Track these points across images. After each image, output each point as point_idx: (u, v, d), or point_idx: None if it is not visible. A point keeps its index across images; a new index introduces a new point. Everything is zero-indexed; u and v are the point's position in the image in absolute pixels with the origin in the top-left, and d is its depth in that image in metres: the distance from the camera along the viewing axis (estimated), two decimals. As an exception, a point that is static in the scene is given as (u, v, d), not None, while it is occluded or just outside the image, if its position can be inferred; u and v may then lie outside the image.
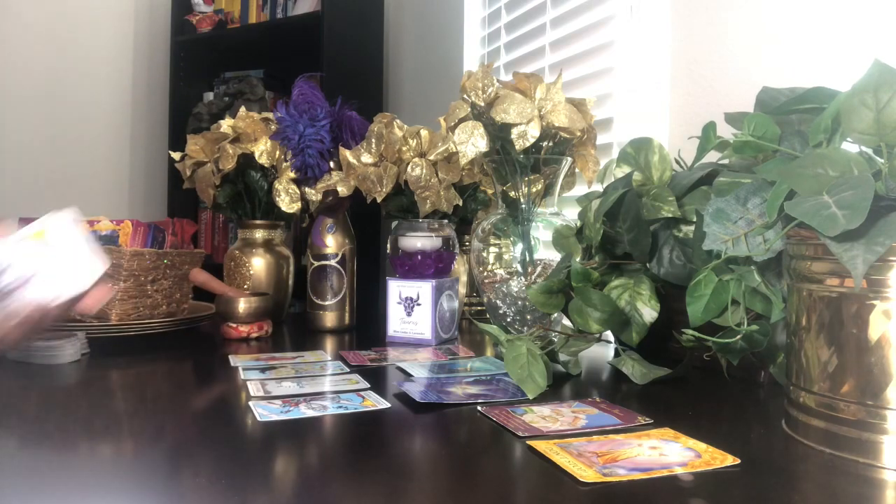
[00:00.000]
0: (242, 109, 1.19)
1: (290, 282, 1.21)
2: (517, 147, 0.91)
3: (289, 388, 0.66)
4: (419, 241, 0.98)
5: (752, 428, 0.56)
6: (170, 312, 1.00)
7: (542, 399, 0.63)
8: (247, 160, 1.16)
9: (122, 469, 0.45)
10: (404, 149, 1.06)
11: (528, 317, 0.94)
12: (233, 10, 2.35)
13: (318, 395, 0.64)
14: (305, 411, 0.58)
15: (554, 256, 0.94)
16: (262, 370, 0.75)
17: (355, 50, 2.11)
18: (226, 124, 1.18)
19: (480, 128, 0.93)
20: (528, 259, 0.98)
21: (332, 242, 1.08)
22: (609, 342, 0.92)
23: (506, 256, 1.03)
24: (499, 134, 0.94)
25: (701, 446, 0.48)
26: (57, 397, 0.66)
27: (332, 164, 1.13)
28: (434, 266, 0.98)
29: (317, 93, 1.14)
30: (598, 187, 0.95)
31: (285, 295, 1.20)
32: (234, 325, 0.97)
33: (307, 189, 1.12)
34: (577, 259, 0.84)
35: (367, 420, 0.57)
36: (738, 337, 0.61)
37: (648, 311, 0.75)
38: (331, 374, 0.74)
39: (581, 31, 1.30)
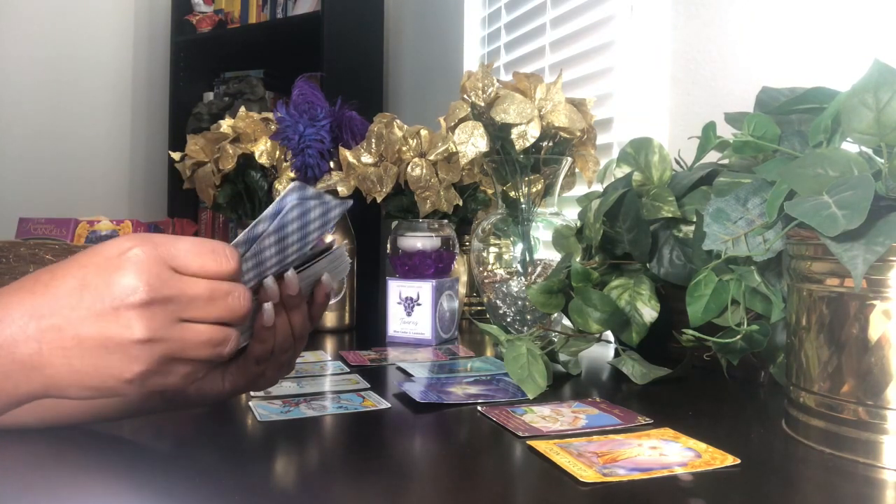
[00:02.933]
0: (242, 109, 1.19)
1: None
2: (517, 147, 0.91)
3: (289, 388, 0.66)
4: (419, 241, 0.98)
5: (752, 428, 0.56)
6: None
7: (542, 399, 0.63)
8: (247, 160, 1.16)
9: (122, 469, 0.45)
10: (404, 149, 1.06)
11: (528, 317, 0.94)
12: (233, 10, 2.35)
13: (318, 395, 0.64)
14: (305, 411, 0.58)
15: (554, 256, 0.94)
16: (262, 370, 0.75)
17: (355, 50, 2.11)
18: (226, 124, 1.18)
19: (480, 128, 0.93)
20: (528, 259, 0.98)
21: (332, 242, 1.07)
22: (609, 342, 0.92)
23: (506, 256, 1.03)
24: (499, 134, 0.94)
25: (701, 446, 0.48)
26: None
27: (332, 164, 1.13)
28: (434, 266, 0.98)
29: (317, 93, 1.14)
30: (598, 187, 0.95)
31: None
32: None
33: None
34: (577, 259, 0.84)
35: (367, 420, 0.57)
36: (738, 337, 0.61)
37: (648, 311, 0.75)
38: (331, 374, 0.74)
39: (581, 31, 1.30)
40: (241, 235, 0.43)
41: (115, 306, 0.36)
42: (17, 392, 0.39)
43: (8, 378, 0.38)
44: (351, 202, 0.49)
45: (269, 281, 0.44)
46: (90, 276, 0.37)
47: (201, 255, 0.39)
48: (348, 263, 0.53)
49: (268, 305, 0.45)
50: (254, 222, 0.43)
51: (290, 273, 0.45)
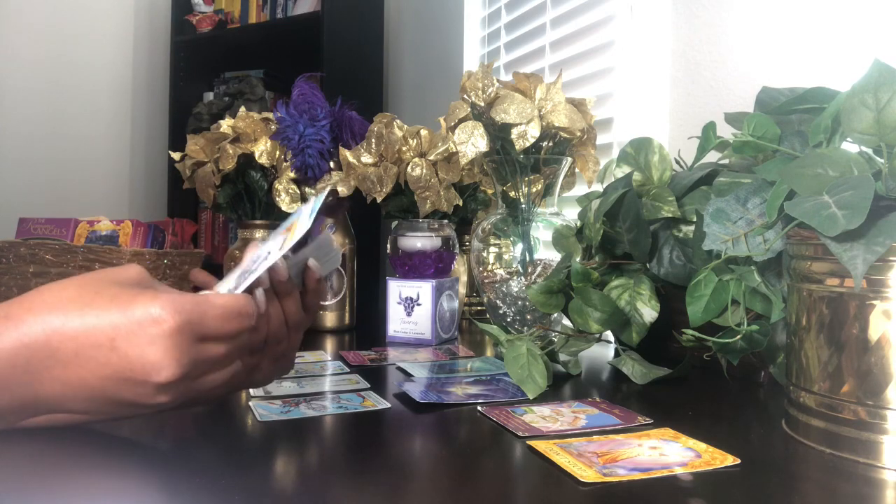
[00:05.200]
0: (242, 109, 1.19)
1: (290, 282, 1.21)
2: (517, 147, 0.91)
3: (289, 387, 0.66)
4: (419, 241, 0.98)
5: (752, 428, 0.56)
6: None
7: (542, 399, 0.63)
8: (247, 160, 1.16)
9: (122, 469, 0.45)
10: (404, 149, 1.06)
11: (528, 317, 0.94)
12: (233, 10, 2.35)
13: (318, 395, 0.64)
14: (305, 411, 0.58)
15: (554, 256, 0.94)
16: (262, 370, 0.75)
17: (355, 50, 2.11)
18: (226, 124, 1.18)
19: (480, 128, 0.93)
20: (528, 259, 0.98)
21: (332, 242, 1.07)
22: (609, 342, 0.92)
23: (506, 256, 1.03)
24: (499, 134, 0.94)
25: (701, 446, 0.48)
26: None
27: (332, 164, 1.13)
28: (434, 266, 0.98)
29: (317, 93, 1.14)
30: (598, 187, 0.95)
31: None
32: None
33: (307, 189, 1.12)
34: (577, 259, 0.84)
35: (367, 420, 0.57)
36: (738, 337, 0.61)
37: (648, 311, 0.75)
38: (331, 374, 0.74)
39: (581, 31, 1.30)
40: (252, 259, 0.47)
41: (143, 379, 0.39)
42: (39, 413, 0.41)
43: (33, 408, 0.41)
44: (331, 190, 0.52)
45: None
46: (120, 341, 0.38)
47: (230, 320, 0.41)
48: (338, 253, 0.54)
49: (258, 291, 0.46)
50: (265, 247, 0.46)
51: (278, 259, 0.47)
